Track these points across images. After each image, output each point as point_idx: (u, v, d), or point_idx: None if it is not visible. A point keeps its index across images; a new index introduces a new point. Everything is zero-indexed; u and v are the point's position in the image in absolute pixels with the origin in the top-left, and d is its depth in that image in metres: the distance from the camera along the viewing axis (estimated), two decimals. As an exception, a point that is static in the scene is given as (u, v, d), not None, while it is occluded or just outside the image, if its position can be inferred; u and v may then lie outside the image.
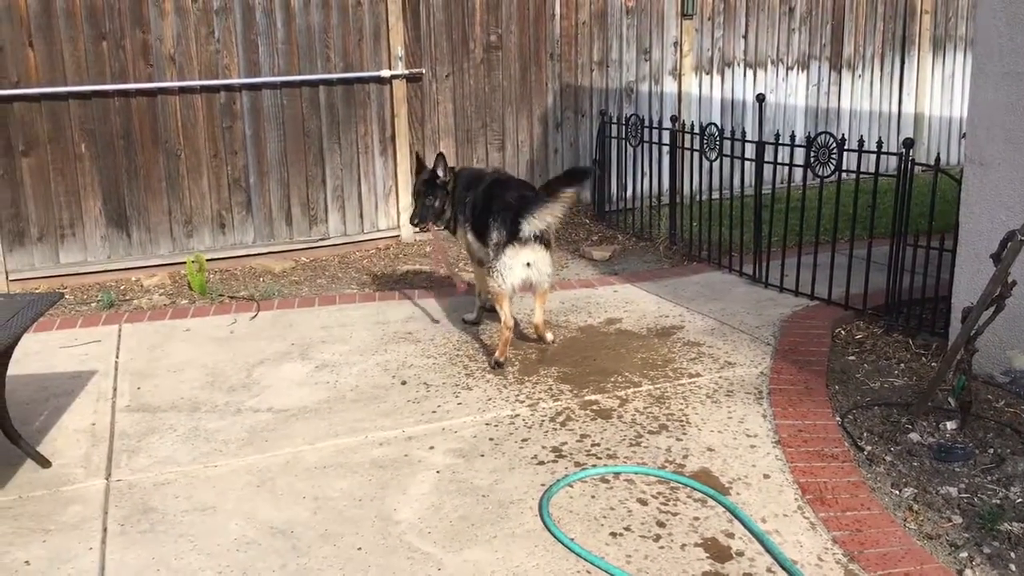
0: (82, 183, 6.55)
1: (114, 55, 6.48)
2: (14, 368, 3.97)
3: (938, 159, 5.12)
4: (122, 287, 6.52)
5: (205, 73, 6.74)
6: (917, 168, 5.12)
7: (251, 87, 6.89)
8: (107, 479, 3.72)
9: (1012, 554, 3.14)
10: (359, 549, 3.19)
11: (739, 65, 8.85)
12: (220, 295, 6.28)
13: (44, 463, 3.80)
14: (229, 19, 6.73)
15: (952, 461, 3.75)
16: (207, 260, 6.63)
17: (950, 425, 4.02)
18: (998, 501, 3.46)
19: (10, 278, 6.42)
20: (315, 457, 3.87)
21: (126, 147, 6.62)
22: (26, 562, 3.15)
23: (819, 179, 5.59)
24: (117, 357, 5.10)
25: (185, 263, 6.54)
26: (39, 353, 5.13)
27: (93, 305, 6.14)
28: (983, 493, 3.52)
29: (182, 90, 6.70)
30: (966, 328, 3.91)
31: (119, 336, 5.44)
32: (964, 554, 3.15)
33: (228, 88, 6.83)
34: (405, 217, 7.22)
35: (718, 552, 3.14)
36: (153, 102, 6.64)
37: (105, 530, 3.34)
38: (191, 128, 6.77)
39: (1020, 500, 3.46)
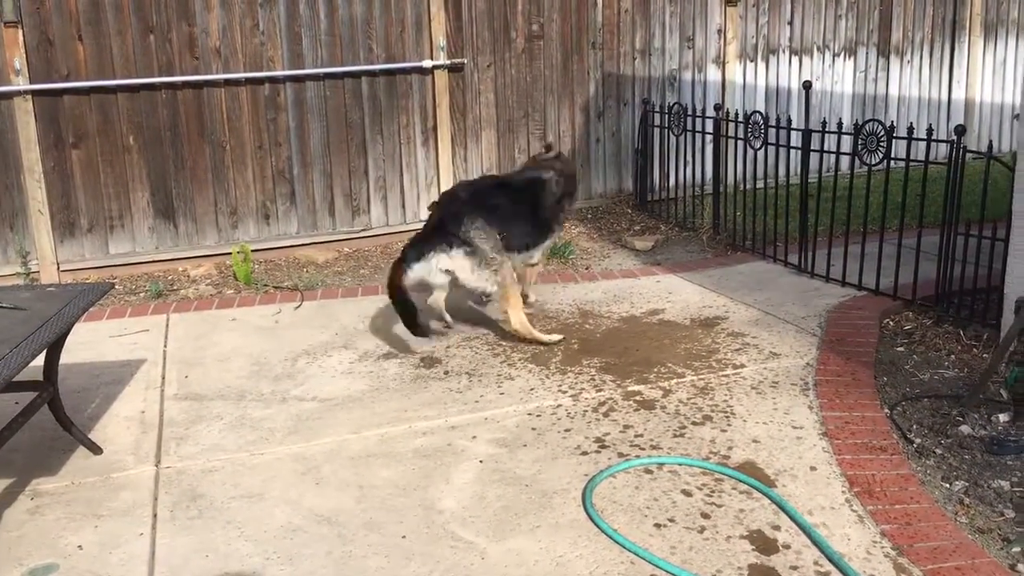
0: (130, 175, 6.65)
1: (161, 48, 6.56)
2: (66, 357, 4.05)
3: (990, 146, 5.01)
4: (169, 277, 6.62)
5: (250, 65, 6.80)
6: (968, 155, 5.01)
7: (295, 79, 6.94)
8: (156, 466, 3.79)
9: (1067, 550, 3.07)
10: (403, 537, 3.21)
11: (784, 52, 8.72)
12: (265, 285, 6.35)
13: (96, 450, 3.88)
14: (273, 11, 6.78)
15: (1004, 454, 3.68)
16: (252, 251, 6.70)
17: (1003, 417, 3.94)
18: (1053, 495, 3.39)
19: (61, 268, 6.55)
20: (359, 446, 3.90)
21: (173, 139, 6.71)
22: (79, 546, 3.22)
23: (867, 167, 5.49)
24: (165, 346, 5.19)
25: (231, 253, 6.62)
26: (90, 342, 5.23)
27: (141, 295, 6.24)
28: (1037, 487, 3.45)
29: (227, 82, 6.77)
30: (1019, 319, 3.83)
31: (167, 325, 5.53)
32: (1017, 548, 3.09)
33: (272, 80, 6.88)
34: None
35: (764, 544, 3.11)
36: (199, 94, 6.72)
37: (155, 516, 3.40)
38: (236, 120, 6.84)
39: (1076, 495, 3.38)
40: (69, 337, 3.90)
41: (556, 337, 5.01)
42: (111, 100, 6.52)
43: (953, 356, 4.68)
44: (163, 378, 4.73)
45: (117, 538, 3.26)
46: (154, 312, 5.78)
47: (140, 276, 6.65)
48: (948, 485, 3.49)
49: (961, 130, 4.98)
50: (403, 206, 7.41)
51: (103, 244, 6.68)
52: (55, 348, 3.77)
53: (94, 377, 4.74)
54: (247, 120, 6.87)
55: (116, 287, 6.36)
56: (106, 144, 6.55)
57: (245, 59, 6.78)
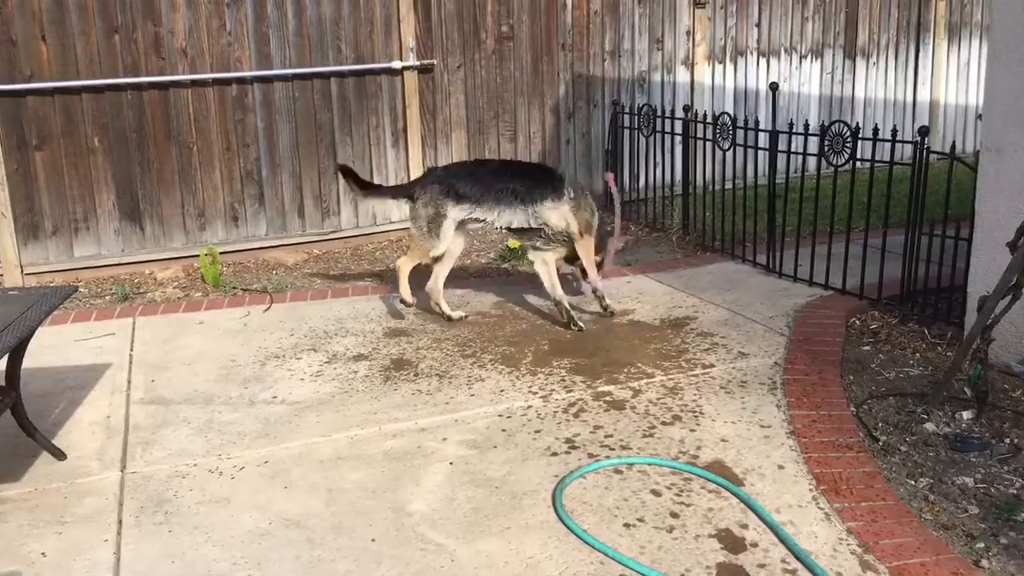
0: (95, 177, 6.57)
1: (126, 48, 6.49)
2: (29, 361, 3.99)
3: (953, 147, 5.08)
4: (136, 280, 6.55)
5: (217, 66, 6.74)
6: (932, 156, 5.07)
7: (263, 80, 6.89)
8: (122, 471, 3.74)
9: (1029, 545, 3.12)
10: (373, 540, 3.19)
11: (752, 54, 8.79)
12: (233, 288, 6.29)
13: (60, 455, 3.83)
14: (240, 11, 6.73)
15: (968, 451, 3.72)
16: (220, 253, 6.65)
17: (966, 415, 3.99)
18: (1015, 491, 3.44)
19: (25, 272, 6.45)
20: (329, 449, 3.88)
21: (139, 140, 6.64)
22: (42, 553, 3.17)
23: (833, 168, 5.55)
24: (131, 350, 5.13)
25: (198, 256, 6.56)
26: (54, 346, 5.15)
27: (107, 298, 6.17)
28: (1000, 483, 3.50)
29: (194, 83, 6.71)
30: (982, 317, 3.88)
31: (133, 329, 5.46)
32: (980, 544, 3.13)
33: (240, 81, 6.83)
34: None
35: (732, 543, 3.13)
36: (165, 95, 6.65)
37: (120, 522, 3.36)
38: (203, 121, 6.78)
39: (1037, 490, 3.44)
40: (32, 341, 3.84)
41: (459, 312, 5.47)
42: (75, 101, 6.43)
43: (918, 354, 4.74)
44: (129, 382, 4.67)
45: (81, 545, 3.22)
46: (120, 315, 5.71)
47: (106, 279, 6.57)
48: (913, 482, 3.53)
49: (925, 131, 5.05)
50: (373, 208, 7.37)
51: (68, 247, 6.59)
52: (18, 352, 3.72)
53: (58, 382, 4.68)
54: (214, 121, 6.81)
55: (81, 290, 6.28)
56: (70, 146, 6.47)
57: (212, 59, 6.72)
